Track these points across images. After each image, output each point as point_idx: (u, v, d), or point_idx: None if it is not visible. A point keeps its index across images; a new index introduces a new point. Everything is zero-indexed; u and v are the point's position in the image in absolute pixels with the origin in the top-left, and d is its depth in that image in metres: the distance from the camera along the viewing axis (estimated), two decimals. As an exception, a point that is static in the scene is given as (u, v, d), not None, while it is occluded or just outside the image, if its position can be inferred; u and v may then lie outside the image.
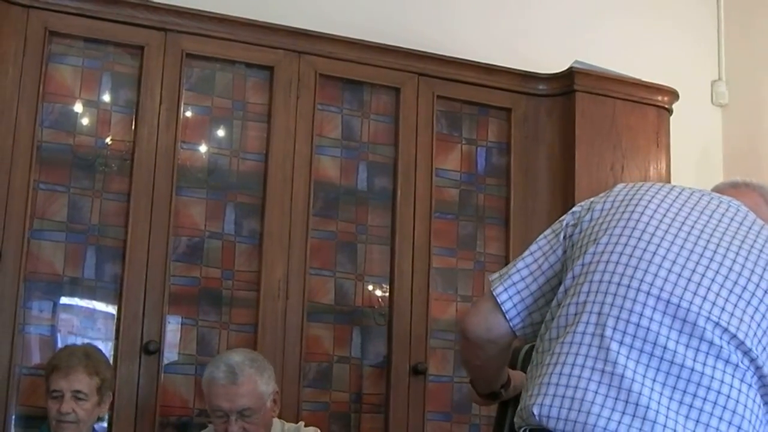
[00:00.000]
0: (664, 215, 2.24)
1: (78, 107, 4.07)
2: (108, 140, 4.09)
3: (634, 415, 2.02)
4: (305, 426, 3.66)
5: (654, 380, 2.05)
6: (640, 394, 2.04)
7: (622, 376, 2.06)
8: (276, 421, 3.58)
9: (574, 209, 2.40)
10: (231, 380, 3.44)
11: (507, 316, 2.34)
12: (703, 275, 2.13)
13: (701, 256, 2.16)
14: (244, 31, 4.28)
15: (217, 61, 4.28)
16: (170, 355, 4.05)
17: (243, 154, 4.27)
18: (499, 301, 2.34)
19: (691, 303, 2.09)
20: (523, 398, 2.22)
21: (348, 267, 4.38)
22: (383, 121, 4.53)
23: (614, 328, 2.10)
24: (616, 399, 2.04)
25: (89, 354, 3.54)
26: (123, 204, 4.03)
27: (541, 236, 2.41)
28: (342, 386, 4.28)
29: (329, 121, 4.44)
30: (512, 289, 2.35)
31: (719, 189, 2.63)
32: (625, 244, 2.19)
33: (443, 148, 4.60)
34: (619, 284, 2.15)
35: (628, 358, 2.07)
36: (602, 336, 2.11)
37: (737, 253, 2.18)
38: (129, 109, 4.10)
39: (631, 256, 2.17)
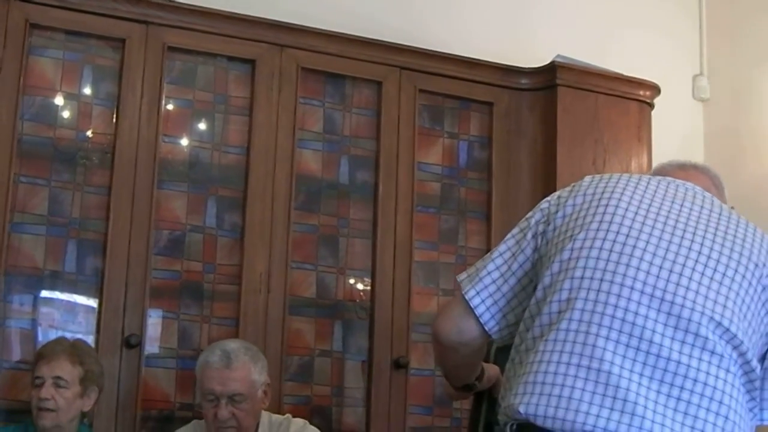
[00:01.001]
0: (638, 207, 2.24)
1: (59, 100, 4.06)
2: (89, 133, 4.08)
3: (622, 411, 2.02)
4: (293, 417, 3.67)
5: (641, 374, 2.06)
6: (627, 389, 2.04)
7: (609, 373, 2.06)
8: (263, 413, 3.58)
9: (541, 206, 2.38)
10: (225, 364, 3.45)
11: (481, 320, 2.33)
12: (684, 265, 2.15)
13: (680, 246, 2.18)
14: (225, 25, 4.27)
15: (198, 55, 4.27)
16: (151, 348, 4.04)
17: (224, 147, 4.27)
18: (472, 305, 2.33)
19: (681, 297, 2.11)
20: (505, 396, 2.21)
21: (330, 261, 4.38)
22: (365, 114, 4.53)
23: (599, 324, 2.10)
24: (604, 395, 2.04)
25: (76, 345, 3.54)
26: (104, 197, 4.01)
27: (509, 236, 2.40)
28: (323, 380, 4.28)
29: (311, 114, 4.43)
30: (484, 292, 2.33)
31: (666, 171, 2.60)
32: (604, 239, 2.19)
33: (425, 141, 4.60)
34: (602, 280, 2.15)
35: (614, 353, 2.08)
36: (587, 333, 2.11)
37: (713, 241, 2.20)
38: (110, 102, 4.09)
39: (611, 251, 2.17)
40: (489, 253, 2.41)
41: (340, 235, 4.41)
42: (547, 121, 4.69)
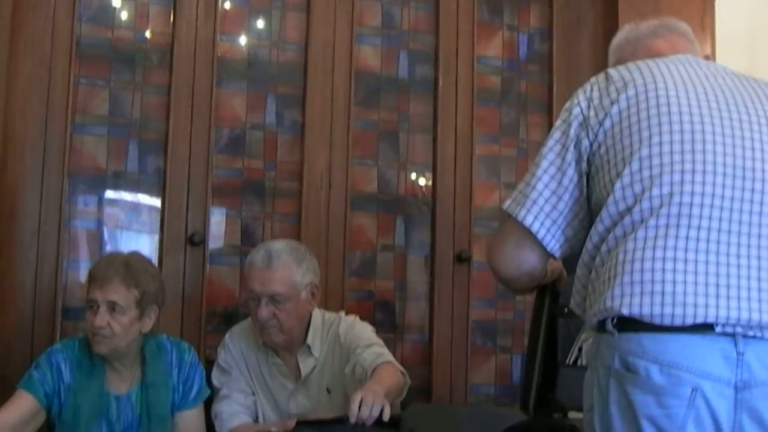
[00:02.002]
0: (687, 94, 2.22)
1: (116, 1, 4.06)
2: (147, 33, 4.08)
3: (728, 297, 2.03)
4: (346, 315, 3.67)
5: (738, 255, 2.07)
6: (728, 275, 2.05)
7: (706, 262, 2.06)
8: (316, 312, 3.58)
9: (572, 111, 2.29)
10: (266, 264, 3.44)
11: (543, 242, 2.28)
12: (754, 140, 2.17)
13: (740, 122, 2.19)
14: None
15: (253, -50, 4.25)
16: (215, 246, 4.09)
17: (282, 44, 4.25)
18: (532, 230, 2.27)
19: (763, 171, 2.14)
20: (594, 301, 2.17)
21: (390, 156, 4.38)
22: (423, 8, 4.48)
23: (689, 215, 2.09)
24: (706, 284, 2.04)
25: (129, 264, 3.33)
26: (164, 98, 4.04)
27: (546, 151, 2.30)
28: (386, 275, 4.31)
29: (369, 9, 4.40)
30: (541, 214, 2.28)
31: (647, 44, 2.52)
32: (671, 140, 2.15)
33: (484, 34, 4.55)
34: (682, 171, 2.13)
35: (707, 241, 2.07)
36: (678, 226, 2.09)
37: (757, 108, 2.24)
38: (167, 1, 4.08)
39: (681, 143, 2.14)
40: (529, 174, 2.32)
41: (400, 130, 4.40)
42: (608, 11, 4.59)
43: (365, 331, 3.57)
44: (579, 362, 2.83)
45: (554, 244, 2.29)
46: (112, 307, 3.26)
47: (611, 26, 4.53)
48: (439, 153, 4.40)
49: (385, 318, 4.18)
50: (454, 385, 4.33)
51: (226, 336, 3.63)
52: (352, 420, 2.94)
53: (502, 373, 4.47)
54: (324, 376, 3.51)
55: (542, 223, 2.28)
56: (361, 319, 3.68)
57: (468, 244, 4.38)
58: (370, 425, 2.94)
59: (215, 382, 3.53)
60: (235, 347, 3.59)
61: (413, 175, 4.42)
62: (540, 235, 2.28)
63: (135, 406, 3.38)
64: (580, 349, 2.82)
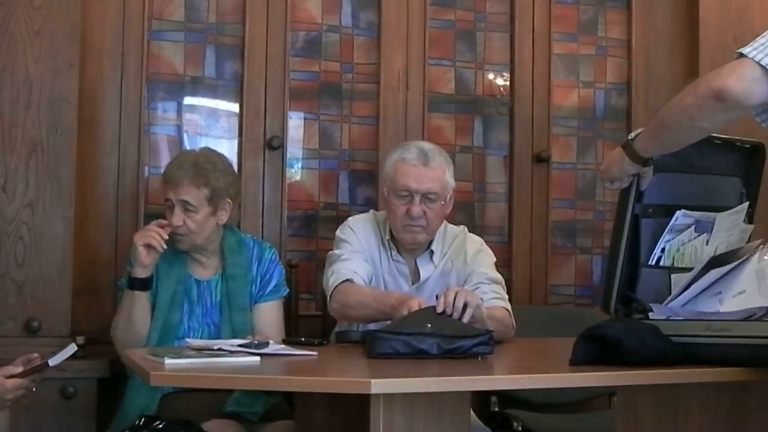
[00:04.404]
0: None
1: None
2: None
3: None
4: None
5: None
6: None
7: None
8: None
9: None
10: (423, 162, 3.40)
11: None
12: None
13: None
14: None
15: None
16: (294, 150, 4.09)
17: (358, -57, 4.22)
18: None
19: None
20: None
21: (467, 56, 4.34)
22: None
23: None
24: None
25: (197, 163, 3.40)
26: (239, 0, 4.02)
27: None
28: (465, 176, 4.28)
29: None
30: None
31: None
32: None
33: (558, -70, 4.47)
34: None
35: None
36: None
37: None
38: None
39: None
40: None
41: (477, 29, 4.35)
42: None
43: (490, 258, 3.55)
44: (661, 262, 2.81)
45: None
46: (186, 206, 3.35)
47: None
48: (517, 52, 4.36)
49: (464, 219, 4.16)
50: (533, 286, 4.33)
51: (349, 220, 3.57)
52: (439, 309, 2.89)
53: (582, 274, 4.46)
54: (438, 285, 3.45)
55: None
56: (440, 220, 3.68)
57: (547, 144, 4.35)
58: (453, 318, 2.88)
59: (331, 254, 3.47)
60: (359, 232, 3.53)
61: (491, 75, 4.38)
62: None
63: (215, 293, 3.47)
64: (662, 250, 2.80)
